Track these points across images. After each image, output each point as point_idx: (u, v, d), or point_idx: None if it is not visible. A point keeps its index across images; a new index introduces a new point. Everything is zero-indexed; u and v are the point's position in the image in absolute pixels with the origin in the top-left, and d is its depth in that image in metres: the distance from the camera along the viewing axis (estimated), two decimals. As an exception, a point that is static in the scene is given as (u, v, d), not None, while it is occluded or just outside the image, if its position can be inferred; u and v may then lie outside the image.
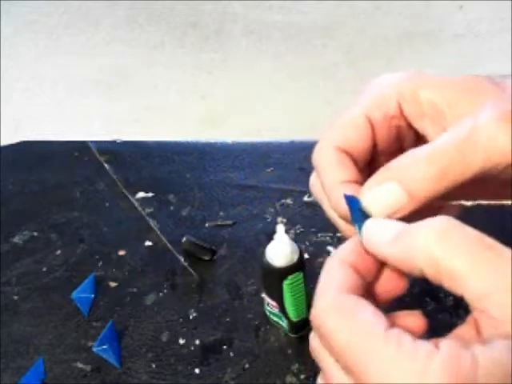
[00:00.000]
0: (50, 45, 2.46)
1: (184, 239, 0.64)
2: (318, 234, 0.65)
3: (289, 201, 0.70)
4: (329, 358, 0.28)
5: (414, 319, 0.29)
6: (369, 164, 0.36)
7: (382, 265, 0.31)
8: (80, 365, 0.55)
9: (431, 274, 0.27)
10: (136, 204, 0.71)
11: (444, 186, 0.29)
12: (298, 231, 0.66)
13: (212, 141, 0.81)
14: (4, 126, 1.99)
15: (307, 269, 0.52)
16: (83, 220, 0.70)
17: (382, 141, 0.35)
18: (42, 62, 2.37)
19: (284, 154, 0.77)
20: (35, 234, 0.69)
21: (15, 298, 0.62)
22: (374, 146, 0.35)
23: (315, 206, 0.69)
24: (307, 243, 0.64)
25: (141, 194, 0.72)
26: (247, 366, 0.54)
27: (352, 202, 0.31)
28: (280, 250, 0.50)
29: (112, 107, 2.13)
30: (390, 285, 0.31)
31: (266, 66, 2.27)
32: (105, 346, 0.55)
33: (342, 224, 0.35)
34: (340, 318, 0.27)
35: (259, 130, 1.96)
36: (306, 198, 0.70)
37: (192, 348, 0.56)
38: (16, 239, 0.68)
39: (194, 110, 2.10)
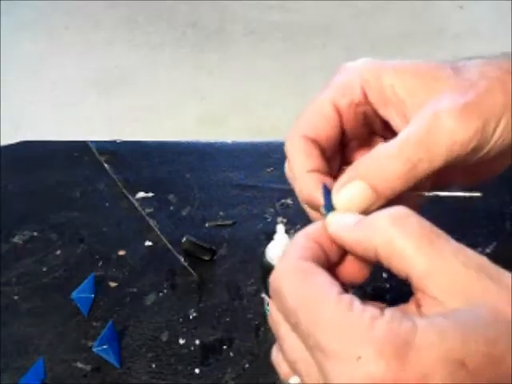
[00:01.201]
0: (50, 45, 2.46)
1: (184, 239, 0.64)
2: (317, 234, 0.65)
3: (289, 201, 0.70)
4: (284, 324, 0.29)
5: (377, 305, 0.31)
6: (339, 150, 0.37)
7: (344, 251, 0.32)
8: (80, 365, 0.55)
9: (384, 253, 0.28)
10: (136, 204, 0.71)
11: (410, 181, 0.31)
12: (298, 231, 0.66)
13: (212, 141, 0.81)
14: (4, 126, 1.98)
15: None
16: (83, 220, 0.70)
17: (351, 127, 0.36)
18: (42, 62, 2.37)
19: (284, 154, 0.77)
20: (35, 234, 0.69)
21: (15, 298, 0.62)
22: (343, 132, 0.36)
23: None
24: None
25: (141, 194, 0.72)
26: (247, 365, 0.54)
27: (327, 192, 0.33)
28: (280, 250, 0.50)
29: (112, 107, 2.13)
30: (351, 271, 0.32)
31: (266, 66, 2.27)
32: (105, 346, 0.55)
33: (307, 208, 0.38)
34: (296, 280, 0.28)
35: (259, 130, 1.96)
36: (305, 198, 0.70)
37: (192, 348, 0.56)
38: (16, 239, 0.68)
39: (194, 110, 2.10)
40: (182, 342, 0.56)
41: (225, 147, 0.80)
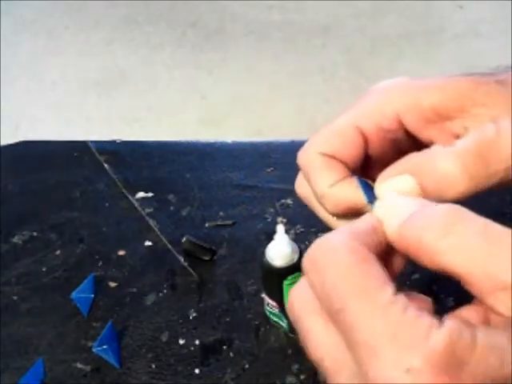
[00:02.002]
0: (50, 45, 2.46)
1: (184, 239, 0.64)
2: (318, 234, 0.65)
3: (289, 201, 0.70)
4: (314, 310, 0.27)
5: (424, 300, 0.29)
6: (363, 170, 0.35)
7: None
8: (80, 365, 0.55)
9: (435, 268, 0.26)
10: (136, 204, 0.71)
11: (462, 190, 0.29)
12: (298, 231, 0.66)
13: (212, 141, 0.81)
14: (4, 126, 1.98)
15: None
16: (83, 220, 0.70)
17: (376, 150, 0.35)
18: (42, 62, 2.37)
19: (284, 154, 0.77)
20: (35, 234, 0.68)
21: (15, 298, 0.62)
22: (367, 154, 0.35)
23: (315, 206, 0.69)
24: (307, 243, 0.64)
25: (141, 194, 0.72)
26: (247, 366, 0.54)
27: (366, 186, 0.32)
28: (280, 250, 0.50)
29: (112, 107, 2.13)
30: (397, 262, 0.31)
31: (266, 66, 2.27)
32: (104, 346, 0.55)
33: (336, 224, 0.35)
34: (349, 261, 0.26)
35: (259, 130, 1.96)
36: (306, 198, 0.70)
37: (192, 348, 0.55)
38: (16, 239, 0.68)
39: (194, 110, 2.10)
40: (181, 342, 0.56)
41: (225, 147, 0.80)
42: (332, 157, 0.34)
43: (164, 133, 1.95)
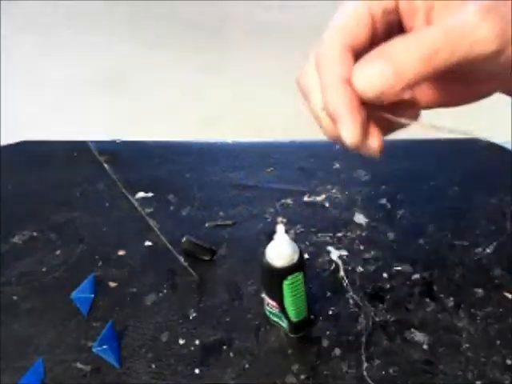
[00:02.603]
0: (50, 45, 2.46)
1: (184, 239, 0.64)
2: (318, 234, 0.65)
3: (289, 201, 0.70)
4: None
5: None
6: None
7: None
8: (80, 365, 0.55)
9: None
10: (136, 204, 0.71)
11: (430, 68, 0.32)
12: (298, 231, 0.66)
13: (212, 141, 0.81)
14: (4, 126, 1.99)
15: (307, 269, 0.52)
16: (83, 220, 0.70)
17: (377, 37, 0.36)
18: (42, 62, 2.37)
19: (284, 154, 0.77)
20: (35, 234, 0.69)
21: (15, 298, 0.62)
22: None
23: (315, 206, 0.69)
24: (307, 243, 0.64)
25: (141, 194, 0.72)
26: (247, 366, 0.54)
27: None
28: (280, 250, 0.50)
29: (112, 107, 2.13)
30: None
31: (266, 66, 2.27)
32: (105, 346, 0.55)
33: (325, 123, 0.36)
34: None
35: (259, 130, 1.96)
36: (305, 198, 0.70)
37: (192, 348, 0.55)
38: (16, 239, 0.68)
39: (193, 110, 2.10)
40: (181, 342, 0.56)
41: (225, 147, 0.80)
42: (351, 48, 0.35)
43: (164, 133, 1.95)
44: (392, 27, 0.36)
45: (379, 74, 0.32)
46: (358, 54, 0.35)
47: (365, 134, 0.33)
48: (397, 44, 0.32)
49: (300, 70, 0.38)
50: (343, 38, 0.35)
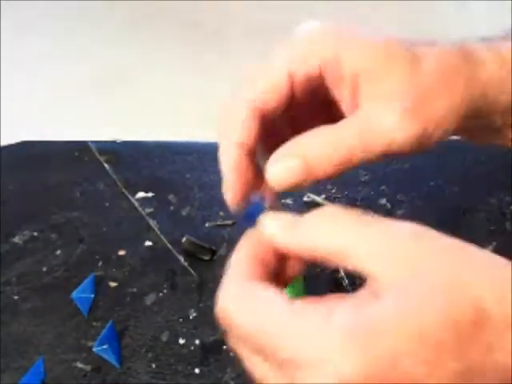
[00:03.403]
0: (49, 45, 2.46)
1: (184, 239, 0.64)
2: (318, 234, 0.65)
3: (289, 201, 0.70)
4: (248, 354, 0.29)
5: None
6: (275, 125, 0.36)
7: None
8: (80, 365, 0.55)
9: (320, 258, 0.28)
10: (136, 204, 0.71)
11: (343, 165, 0.32)
12: (298, 231, 0.66)
13: (212, 141, 0.81)
14: (4, 126, 1.98)
15: (307, 269, 0.52)
16: (83, 220, 0.70)
17: (297, 101, 0.35)
18: (42, 62, 2.36)
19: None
20: (35, 234, 0.69)
21: (15, 297, 0.62)
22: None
23: (315, 206, 0.69)
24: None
25: (141, 194, 0.72)
26: (247, 366, 0.54)
27: (256, 206, 0.34)
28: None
29: (112, 107, 2.13)
30: (293, 269, 0.33)
31: (266, 66, 2.27)
32: (105, 346, 0.55)
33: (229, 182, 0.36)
34: (240, 302, 0.28)
35: (259, 130, 1.96)
36: (305, 198, 0.70)
37: (192, 348, 0.56)
38: (16, 239, 0.68)
39: (194, 110, 2.09)
40: (181, 341, 0.56)
41: (225, 147, 0.80)
42: (260, 110, 0.34)
43: (164, 133, 1.95)
44: (316, 92, 0.35)
45: (292, 170, 0.32)
46: (269, 117, 0.34)
47: (245, 194, 0.34)
48: (311, 140, 0.32)
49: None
50: (254, 100, 0.34)
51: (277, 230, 0.31)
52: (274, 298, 0.27)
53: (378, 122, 0.31)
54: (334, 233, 0.28)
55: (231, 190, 0.35)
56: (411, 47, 0.34)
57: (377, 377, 0.23)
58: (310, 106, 0.36)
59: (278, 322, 0.26)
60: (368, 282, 0.26)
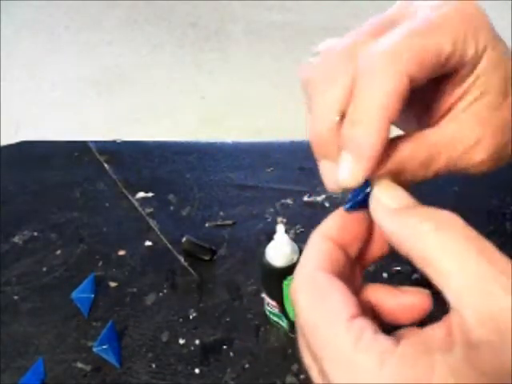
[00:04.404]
0: (49, 45, 2.46)
1: (184, 239, 0.64)
2: (318, 234, 0.65)
3: (289, 201, 0.70)
4: (300, 336, 0.28)
5: (421, 297, 0.30)
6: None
7: (366, 237, 0.31)
8: (80, 365, 0.55)
9: (419, 260, 0.26)
10: (136, 204, 0.71)
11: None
12: (298, 231, 0.66)
13: (212, 141, 0.81)
14: (4, 126, 1.98)
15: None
16: (83, 220, 0.70)
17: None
18: (42, 62, 2.37)
19: (284, 154, 0.77)
20: (35, 234, 0.69)
21: (15, 297, 0.62)
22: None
23: (315, 206, 0.69)
24: (307, 243, 0.64)
25: (141, 194, 0.72)
26: (247, 365, 0.54)
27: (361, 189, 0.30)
28: (280, 250, 0.50)
29: (112, 107, 2.13)
30: (372, 252, 0.32)
31: (266, 66, 2.27)
32: (105, 346, 0.55)
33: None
34: (309, 297, 0.27)
35: (259, 130, 1.96)
36: (305, 198, 0.70)
37: (192, 348, 0.56)
38: (16, 239, 0.68)
39: (193, 110, 2.10)
40: (181, 341, 0.56)
41: (225, 147, 0.80)
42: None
43: (164, 133, 1.95)
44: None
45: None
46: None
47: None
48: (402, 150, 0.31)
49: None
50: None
51: (386, 209, 0.28)
52: (340, 306, 0.26)
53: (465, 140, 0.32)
54: (440, 244, 0.25)
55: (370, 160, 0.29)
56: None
57: None
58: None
59: (332, 339, 0.25)
60: (453, 316, 0.25)
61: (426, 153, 0.31)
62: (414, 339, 0.25)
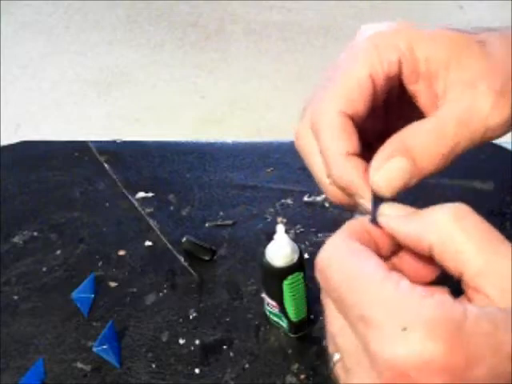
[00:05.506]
0: (50, 45, 2.46)
1: (184, 239, 0.64)
2: (318, 234, 0.65)
3: (289, 201, 0.70)
4: (326, 299, 0.29)
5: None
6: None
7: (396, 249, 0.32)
8: (80, 365, 0.55)
9: (439, 249, 0.28)
10: (136, 204, 0.71)
11: (449, 160, 0.32)
12: (298, 231, 0.66)
13: (212, 141, 0.81)
14: (4, 126, 1.98)
15: (307, 269, 0.52)
16: (83, 220, 0.70)
17: (376, 101, 0.34)
18: (42, 62, 2.37)
19: (284, 154, 0.77)
20: (35, 233, 0.69)
21: (15, 297, 0.62)
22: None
23: (315, 206, 0.69)
24: (307, 243, 0.64)
25: (141, 194, 0.72)
26: (247, 365, 0.54)
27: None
28: (280, 250, 0.50)
29: (112, 107, 2.13)
30: (414, 270, 0.32)
31: (266, 65, 2.27)
32: (105, 346, 0.55)
33: (330, 190, 0.34)
34: (343, 256, 0.28)
35: (259, 130, 1.96)
36: (305, 198, 0.70)
37: (192, 348, 0.56)
38: (16, 239, 0.68)
39: (193, 110, 2.09)
40: (181, 341, 0.56)
41: (225, 147, 0.80)
42: (351, 117, 0.33)
43: (164, 133, 1.95)
44: (391, 91, 0.34)
45: (399, 170, 0.31)
46: (356, 121, 0.33)
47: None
48: (417, 139, 0.31)
49: (296, 128, 0.35)
50: (344, 109, 0.32)
51: (392, 214, 0.31)
52: (375, 264, 0.27)
53: (475, 108, 0.31)
54: (456, 235, 0.28)
55: (365, 194, 0.33)
56: (473, 34, 0.34)
57: (452, 367, 0.23)
58: (386, 105, 0.36)
59: (370, 285, 0.26)
60: (470, 293, 0.27)
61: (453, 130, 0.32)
62: (445, 294, 0.26)
